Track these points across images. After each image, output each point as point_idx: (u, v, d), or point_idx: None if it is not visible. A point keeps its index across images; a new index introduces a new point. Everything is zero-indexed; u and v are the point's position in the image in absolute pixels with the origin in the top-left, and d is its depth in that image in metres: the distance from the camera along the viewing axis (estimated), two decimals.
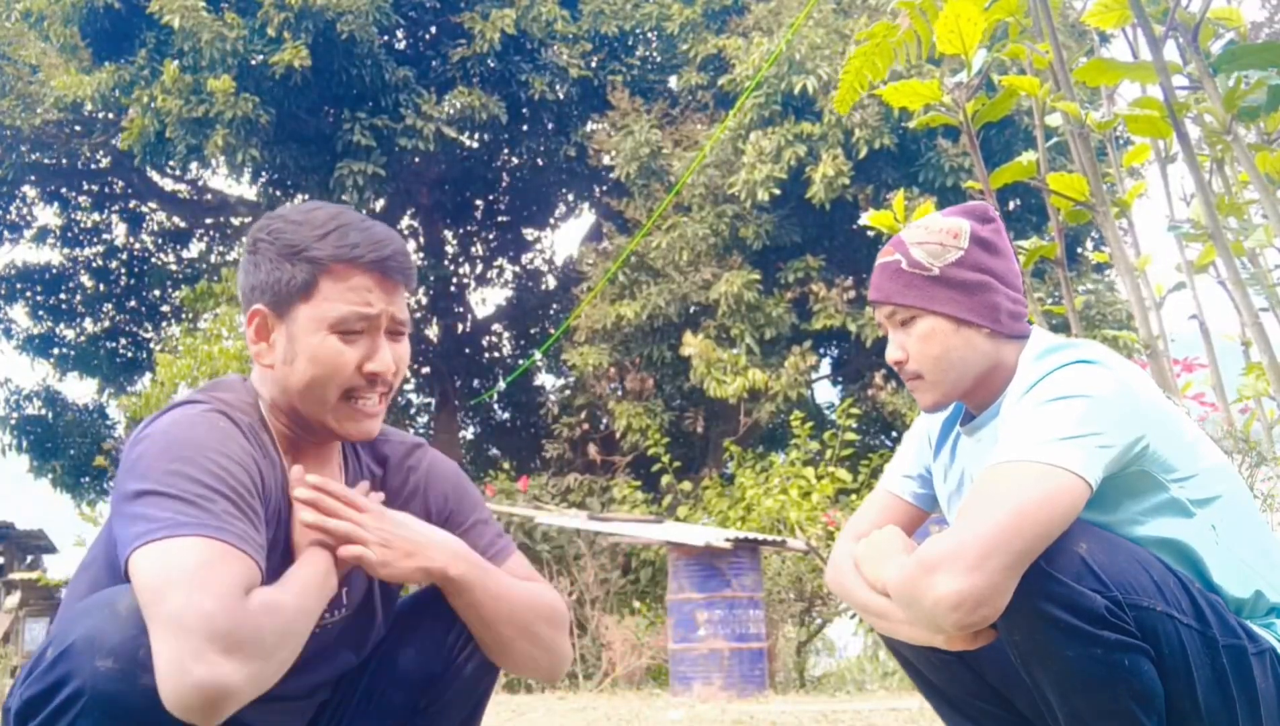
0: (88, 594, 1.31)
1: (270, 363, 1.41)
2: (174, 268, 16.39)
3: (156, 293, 16.14)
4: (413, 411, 16.64)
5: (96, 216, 15.95)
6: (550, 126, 13.64)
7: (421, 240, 15.91)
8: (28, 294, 15.70)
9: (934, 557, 1.33)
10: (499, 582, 1.45)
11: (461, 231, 16.35)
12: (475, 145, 13.94)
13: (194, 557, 1.16)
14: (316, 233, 1.39)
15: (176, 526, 1.18)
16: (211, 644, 1.10)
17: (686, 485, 10.57)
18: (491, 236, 16.59)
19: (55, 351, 15.78)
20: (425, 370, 15.72)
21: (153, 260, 16.38)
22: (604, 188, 14.22)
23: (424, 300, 15.58)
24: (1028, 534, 1.31)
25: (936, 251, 1.60)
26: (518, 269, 16.71)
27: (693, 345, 10.67)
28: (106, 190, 15.73)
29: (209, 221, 16.45)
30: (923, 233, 1.63)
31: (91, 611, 1.18)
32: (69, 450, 14.95)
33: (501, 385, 13.91)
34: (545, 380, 15.70)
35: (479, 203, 16.00)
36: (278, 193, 14.04)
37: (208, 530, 1.19)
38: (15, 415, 15.25)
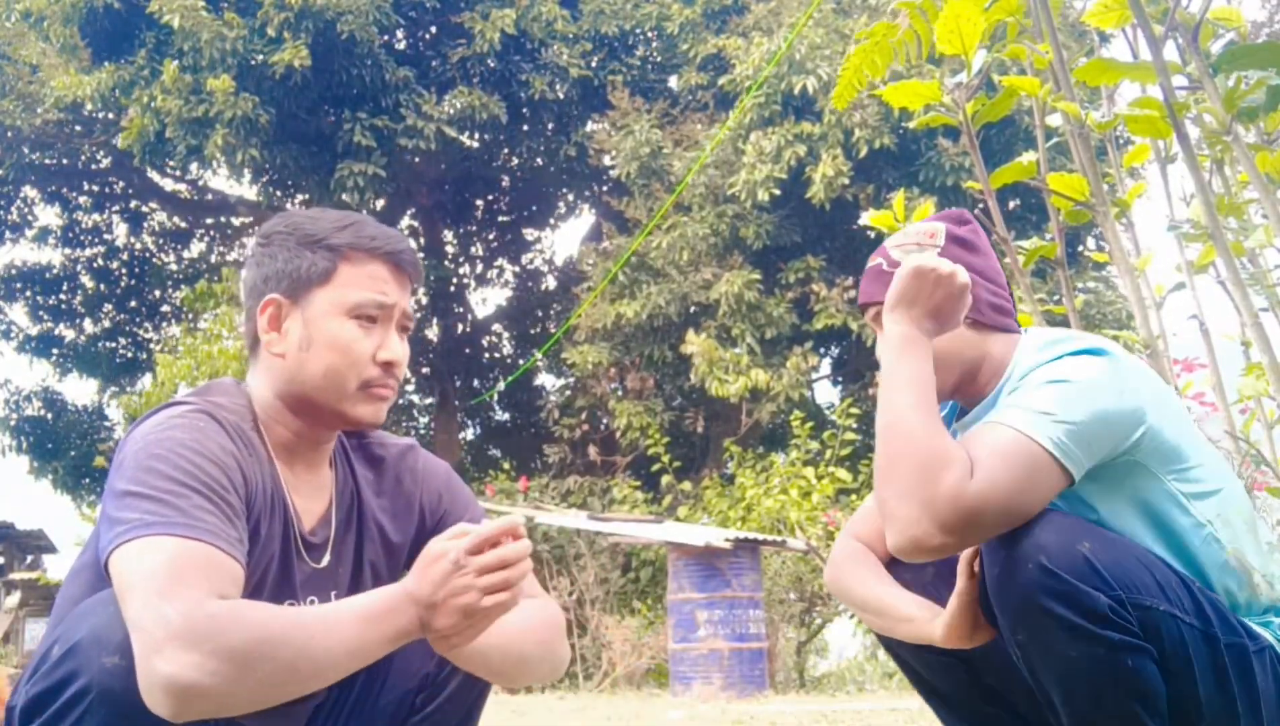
0: (81, 598, 1.31)
1: (282, 351, 1.41)
2: (174, 268, 16.40)
3: (157, 293, 16.15)
4: (413, 411, 16.64)
5: (97, 217, 15.96)
6: (550, 126, 13.65)
7: (421, 240, 15.92)
8: (28, 294, 15.71)
9: (975, 451, 1.37)
10: (498, 646, 1.38)
11: (461, 231, 16.36)
12: (475, 145, 13.94)
13: (158, 557, 1.15)
14: (335, 225, 1.44)
15: (145, 526, 1.18)
16: (170, 640, 1.09)
17: (687, 485, 10.58)
18: (491, 236, 16.59)
19: (55, 352, 15.78)
20: (425, 370, 15.73)
21: (153, 260, 16.39)
22: (604, 187, 14.22)
23: (424, 300, 15.58)
24: (1023, 500, 1.35)
25: (913, 250, 1.63)
26: (518, 269, 16.72)
27: (695, 343, 10.67)
28: (107, 190, 15.74)
29: (209, 221, 16.45)
30: (901, 236, 1.68)
31: (97, 609, 1.18)
32: (69, 451, 14.96)
33: (501, 385, 13.91)
34: (545, 380, 15.72)
35: (479, 203, 16.00)
36: (278, 193, 14.04)
37: (175, 528, 1.18)
38: (15, 416, 15.26)
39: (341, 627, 1.19)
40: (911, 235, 1.65)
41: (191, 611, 1.11)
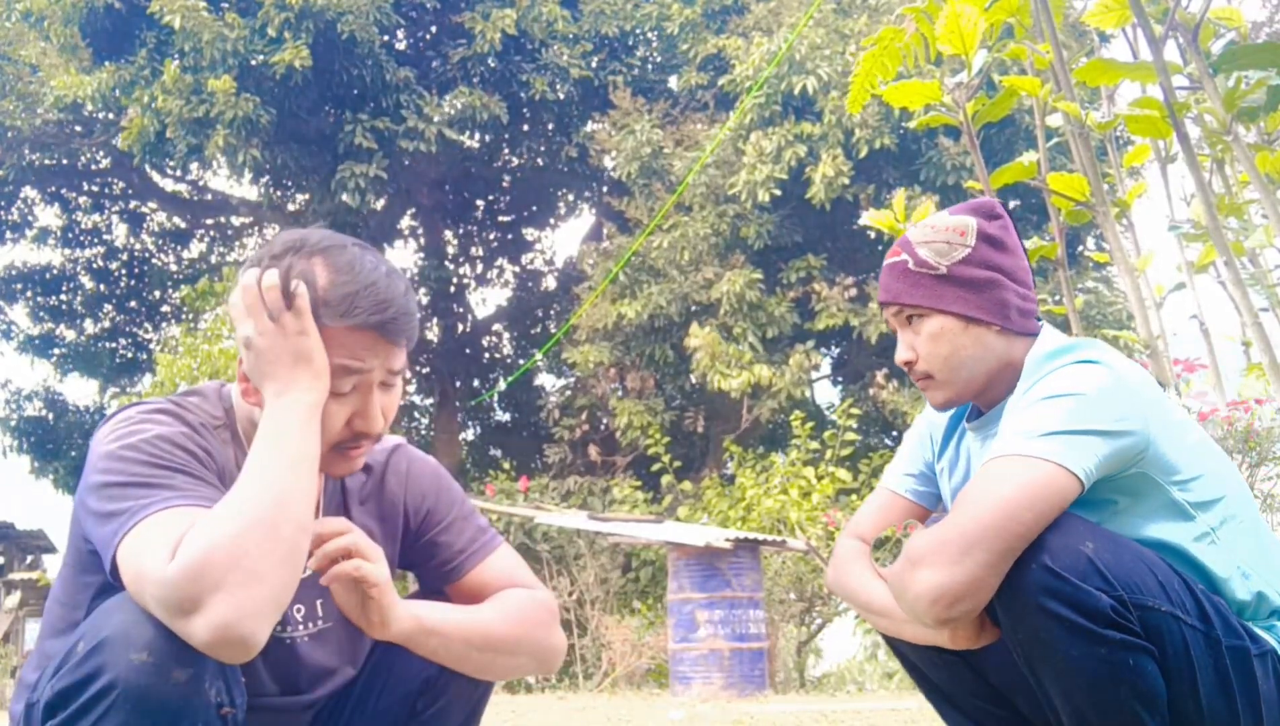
0: (62, 596, 1.33)
1: (256, 403, 1.35)
2: (174, 268, 16.41)
3: (157, 293, 16.15)
4: (413, 412, 16.64)
5: (97, 217, 15.96)
6: (551, 127, 13.65)
7: (421, 240, 15.92)
8: (28, 295, 15.71)
9: (918, 551, 1.35)
10: (454, 624, 1.40)
11: (462, 231, 16.36)
12: (476, 145, 13.94)
13: (163, 533, 1.16)
14: (323, 284, 1.32)
15: (142, 508, 1.19)
16: (176, 617, 1.11)
17: (687, 485, 10.58)
18: (492, 236, 16.59)
19: (56, 352, 15.79)
20: (425, 370, 15.73)
21: (153, 261, 16.40)
22: (605, 187, 14.23)
23: (424, 300, 15.59)
24: (1011, 529, 1.32)
25: (943, 250, 1.59)
26: (518, 269, 16.72)
27: (698, 337, 10.67)
28: (107, 190, 15.74)
29: (209, 222, 16.45)
30: (929, 232, 1.62)
31: (125, 605, 1.18)
32: (70, 451, 14.95)
33: (502, 385, 13.92)
34: (545, 380, 15.73)
35: (479, 203, 16.00)
36: (278, 193, 14.03)
37: (172, 502, 1.20)
38: (16, 416, 15.26)
39: (282, 457, 1.22)
40: (940, 232, 1.60)
41: (165, 580, 1.11)
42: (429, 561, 1.54)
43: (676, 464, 10.39)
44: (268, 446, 1.23)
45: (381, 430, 1.38)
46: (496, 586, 1.50)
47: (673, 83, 13.65)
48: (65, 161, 14.31)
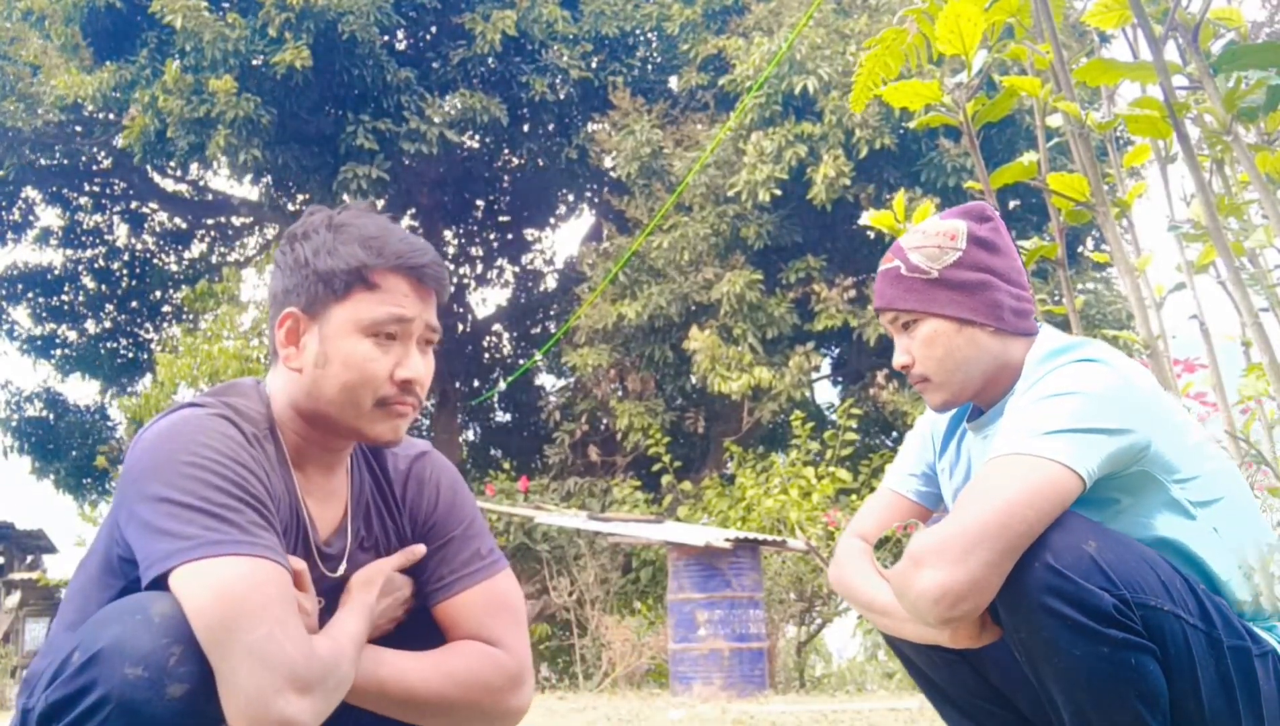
0: (89, 590, 1.31)
1: (299, 366, 1.38)
2: (175, 268, 16.40)
3: (158, 293, 16.15)
4: None
5: (98, 217, 15.96)
6: (551, 127, 13.65)
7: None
8: (29, 295, 15.71)
9: (921, 551, 1.35)
10: (367, 676, 1.33)
11: (462, 232, 16.36)
12: (476, 146, 13.94)
13: (254, 583, 1.16)
14: (357, 237, 1.38)
15: (213, 544, 1.17)
16: (291, 683, 1.14)
17: (687, 485, 10.58)
18: (492, 237, 16.60)
19: (57, 352, 15.78)
20: None
21: (154, 261, 16.39)
22: (604, 188, 14.23)
23: None
24: (1013, 528, 1.32)
25: (934, 254, 1.61)
26: (518, 269, 16.73)
27: (698, 340, 10.67)
28: (108, 191, 15.74)
29: (210, 222, 16.46)
30: (920, 237, 1.64)
31: (121, 617, 1.16)
32: (70, 452, 14.95)
33: (502, 385, 13.91)
34: (545, 380, 15.73)
35: (479, 203, 16.01)
36: (279, 194, 14.04)
37: (248, 548, 1.18)
38: (17, 417, 15.26)
39: (357, 646, 1.32)
40: (931, 237, 1.63)
41: (309, 652, 1.18)
42: (418, 577, 1.50)
43: (677, 464, 10.39)
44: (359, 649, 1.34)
45: (423, 383, 1.40)
46: (463, 630, 1.44)
47: (673, 83, 13.65)
48: (66, 161, 14.30)
